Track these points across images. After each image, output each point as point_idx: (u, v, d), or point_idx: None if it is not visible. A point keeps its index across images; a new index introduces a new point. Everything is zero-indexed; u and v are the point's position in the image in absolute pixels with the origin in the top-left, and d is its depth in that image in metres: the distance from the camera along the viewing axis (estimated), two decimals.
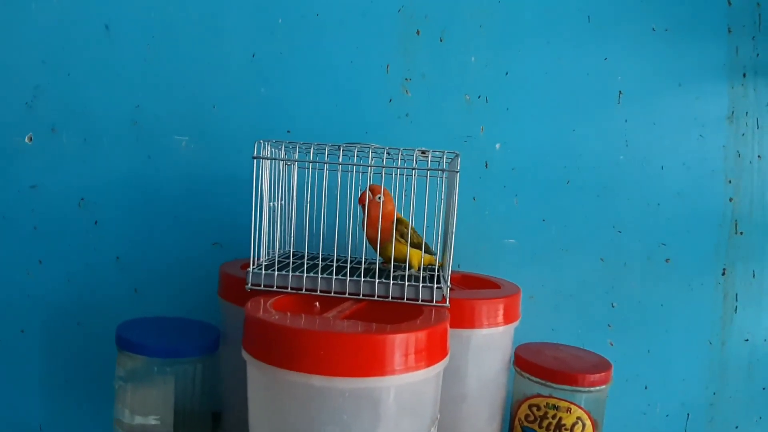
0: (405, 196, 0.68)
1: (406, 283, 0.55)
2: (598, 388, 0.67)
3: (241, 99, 0.81)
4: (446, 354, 0.51)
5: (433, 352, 0.48)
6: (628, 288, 0.88)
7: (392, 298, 0.55)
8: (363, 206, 0.62)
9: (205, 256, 0.81)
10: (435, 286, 0.54)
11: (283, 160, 0.61)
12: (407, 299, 0.55)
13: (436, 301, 0.54)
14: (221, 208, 0.81)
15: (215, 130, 0.81)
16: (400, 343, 0.46)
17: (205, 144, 0.81)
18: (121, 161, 0.80)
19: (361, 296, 0.56)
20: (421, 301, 0.55)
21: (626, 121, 0.86)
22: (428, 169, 0.56)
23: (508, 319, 0.66)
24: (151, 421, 0.61)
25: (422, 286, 0.54)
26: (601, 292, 0.87)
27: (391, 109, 0.84)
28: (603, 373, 0.68)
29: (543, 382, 0.68)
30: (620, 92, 0.86)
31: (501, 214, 0.86)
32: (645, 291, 0.88)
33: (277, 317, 0.49)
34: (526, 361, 0.70)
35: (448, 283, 0.56)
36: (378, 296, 0.55)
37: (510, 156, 0.86)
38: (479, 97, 0.85)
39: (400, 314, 0.54)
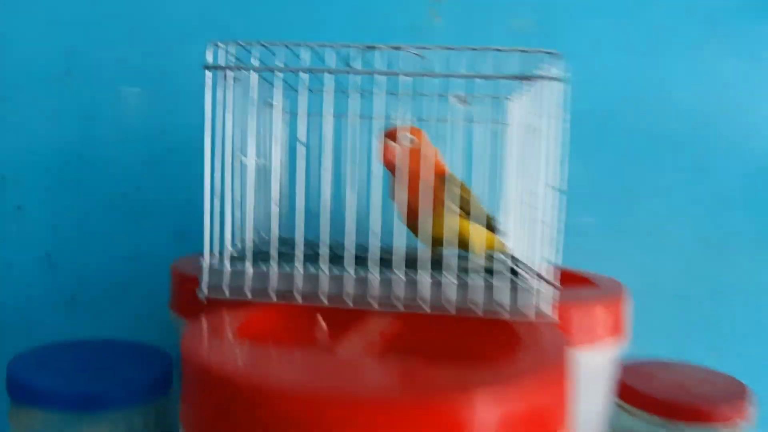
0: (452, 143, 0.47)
1: (481, 283, 0.31)
2: (739, 424, 0.48)
3: (210, 31, 0.64)
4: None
5: (554, 421, 0.25)
6: (736, 277, 0.70)
7: (462, 309, 0.32)
8: (388, 163, 0.41)
9: (166, 249, 0.66)
10: (535, 287, 0.31)
11: (256, 69, 0.37)
12: (485, 311, 0.32)
13: (537, 314, 0.31)
14: (186, 184, 0.62)
15: (176, 77, 0.66)
16: (508, 411, 0.23)
17: (162, 96, 0.66)
18: (50, 124, 0.66)
19: (402, 307, 0.32)
20: (511, 313, 0.32)
21: (721, 57, 0.68)
22: (511, 77, 0.33)
23: (615, 332, 0.44)
24: None
25: (518, 288, 0.31)
26: (703, 283, 0.70)
27: (412, 41, 0.64)
28: (742, 402, 0.49)
29: (664, 421, 0.48)
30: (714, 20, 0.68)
31: (571, 182, 0.67)
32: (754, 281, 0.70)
33: (244, 361, 0.26)
34: (635, 391, 0.50)
35: (554, 282, 0.33)
36: (433, 308, 0.32)
37: (577, 104, 0.65)
38: (534, 22, 0.68)
39: (468, 340, 0.31)
